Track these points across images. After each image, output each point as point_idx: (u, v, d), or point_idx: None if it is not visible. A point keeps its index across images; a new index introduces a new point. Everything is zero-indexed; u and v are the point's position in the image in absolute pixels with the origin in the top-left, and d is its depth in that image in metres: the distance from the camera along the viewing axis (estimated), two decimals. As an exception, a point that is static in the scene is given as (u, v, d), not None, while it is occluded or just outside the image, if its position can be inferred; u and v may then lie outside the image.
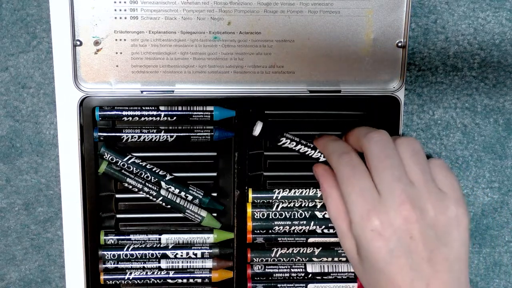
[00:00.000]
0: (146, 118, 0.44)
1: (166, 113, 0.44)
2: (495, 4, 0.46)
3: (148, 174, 0.46)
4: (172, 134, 0.45)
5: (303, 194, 0.45)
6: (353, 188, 0.37)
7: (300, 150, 0.45)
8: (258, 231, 0.45)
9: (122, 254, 0.46)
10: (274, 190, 0.46)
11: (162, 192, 0.46)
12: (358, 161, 0.39)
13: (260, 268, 0.46)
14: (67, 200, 0.45)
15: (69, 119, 0.44)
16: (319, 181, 0.42)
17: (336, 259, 0.46)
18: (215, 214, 0.47)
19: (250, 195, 0.45)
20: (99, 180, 0.45)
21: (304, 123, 0.46)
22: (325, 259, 0.46)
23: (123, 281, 0.46)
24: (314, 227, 0.45)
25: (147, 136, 0.44)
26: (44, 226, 0.48)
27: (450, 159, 0.48)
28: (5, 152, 0.47)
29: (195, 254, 0.46)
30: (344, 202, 0.38)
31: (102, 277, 0.46)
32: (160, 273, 0.46)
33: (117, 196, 0.46)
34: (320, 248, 0.46)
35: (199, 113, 0.44)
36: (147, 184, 0.45)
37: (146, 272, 0.46)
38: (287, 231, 0.45)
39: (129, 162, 0.45)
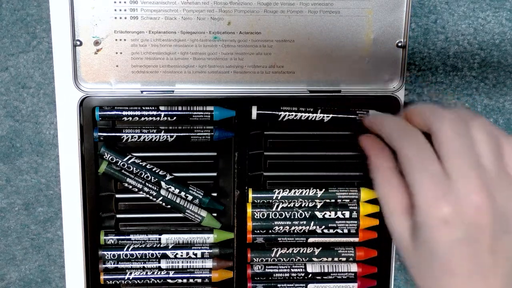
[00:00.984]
0: (146, 118, 0.44)
1: (166, 113, 0.44)
2: (495, 4, 0.46)
3: (148, 174, 0.45)
4: (172, 134, 0.45)
5: (303, 194, 0.45)
6: (421, 172, 0.34)
7: (302, 118, 0.44)
8: (258, 231, 0.45)
9: (122, 254, 0.46)
10: (274, 190, 0.45)
11: (162, 192, 0.45)
12: (425, 142, 0.36)
13: (260, 268, 0.46)
14: (67, 200, 0.45)
15: (69, 119, 0.44)
16: (368, 154, 0.38)
17: (336, 259, 0.46)
18: (215, 214, 0.47)
19: (250, 195, 0.45)
20: (99, 180, 0.45)
21: (301, 123, 0.46)
22: (325, 259, 0.46)
23: (123, 281, 0.46)
24: (314, 227, 0.45)
25: (147, 136, 0.44)
26: (44, 226, 0.48)
27: (450, 159, 0.48)
28: (5, 152, 0.47)
29: (195, 254, 0.46)
30: (400, 182, 0.36)
31: (102, 277, 0.46)
32: (160, 273, 0.46)
33: (117, 196, 0.46)
34: (320, 248, 0.46)
35: (199, 113, 0.44)
36: (147, 184, 0.45)
37: (146, 272, 0.46)
38: (287, 231, 0.45)
39: (129, 162, 0.45)
